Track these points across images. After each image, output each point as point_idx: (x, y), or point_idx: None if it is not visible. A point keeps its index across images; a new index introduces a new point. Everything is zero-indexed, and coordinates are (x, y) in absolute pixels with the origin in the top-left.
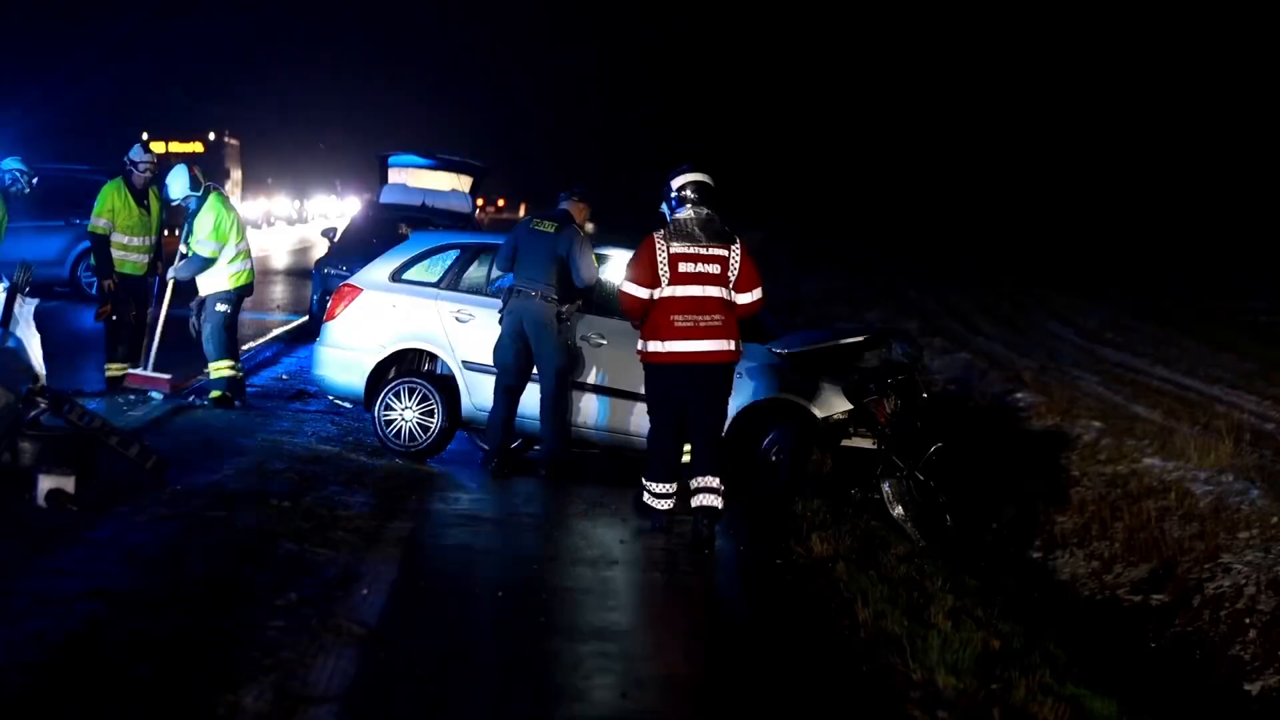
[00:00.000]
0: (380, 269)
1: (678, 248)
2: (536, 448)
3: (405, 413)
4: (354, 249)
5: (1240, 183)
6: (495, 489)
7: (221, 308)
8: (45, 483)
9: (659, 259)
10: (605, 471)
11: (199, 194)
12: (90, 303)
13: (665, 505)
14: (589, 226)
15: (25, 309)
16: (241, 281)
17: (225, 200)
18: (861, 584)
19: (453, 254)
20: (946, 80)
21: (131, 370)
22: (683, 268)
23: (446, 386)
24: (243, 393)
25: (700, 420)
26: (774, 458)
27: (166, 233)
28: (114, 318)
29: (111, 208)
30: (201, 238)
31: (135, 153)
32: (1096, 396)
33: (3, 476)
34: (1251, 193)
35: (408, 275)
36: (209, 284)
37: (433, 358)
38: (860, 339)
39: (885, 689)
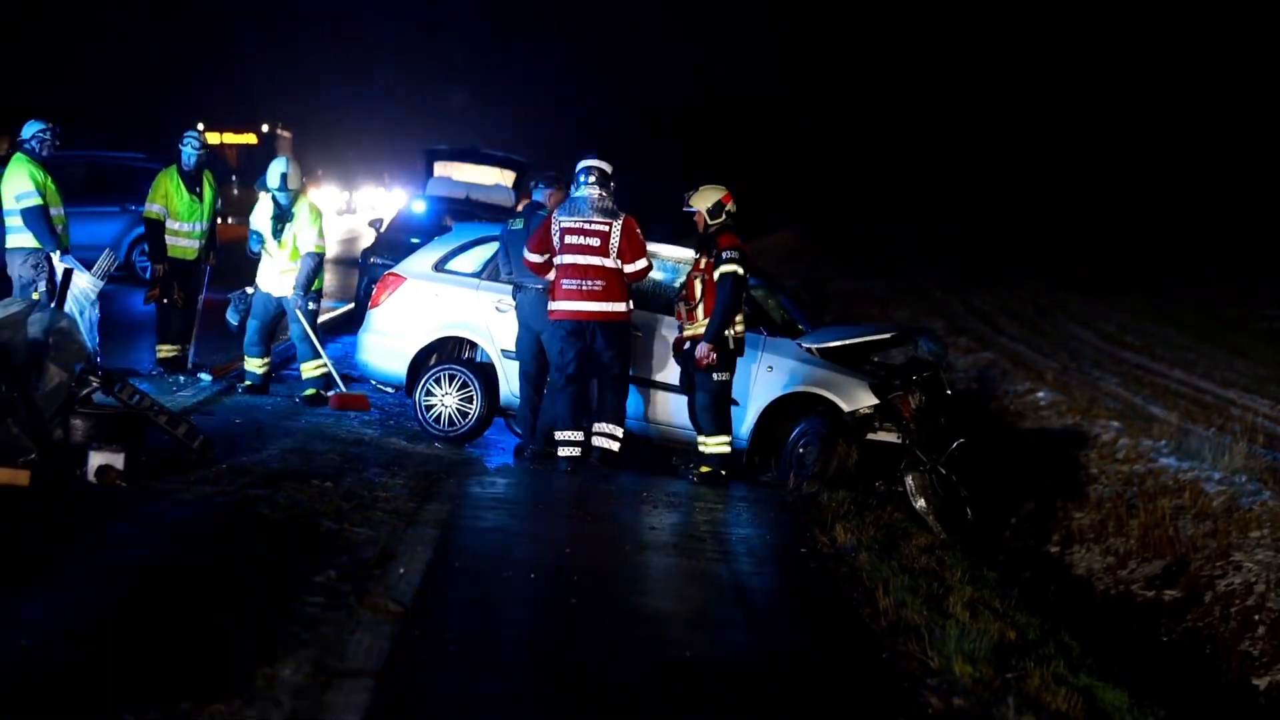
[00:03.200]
0: (423, 259)
1: (566, 222)
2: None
3: (445, 398)
4: (399, 240)
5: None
6: (530, 474)
7: (311, 306)
8: (96, 459)
9: (553, 231)
10: (638, 459)
11: (297, 190)
12: (143, 286)
13: (571, 451)
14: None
15: (93, 290)
16: (324, 280)
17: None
18: (883, 574)
19: (494, 246)
20: (980, 81)
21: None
22: (569, 239)
23: (485, 374)
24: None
25: (601, 370)
26: (801, 449)
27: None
28: (164, 301)
29: (165, 194)
30: (313, 238)
31: (185, 137)
32: (1115, 397)
33: (55, 452)
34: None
35: (450, 265)
36: (298, 285)
37: (473, 346)
38: (887, 336)
39: (903, 675)
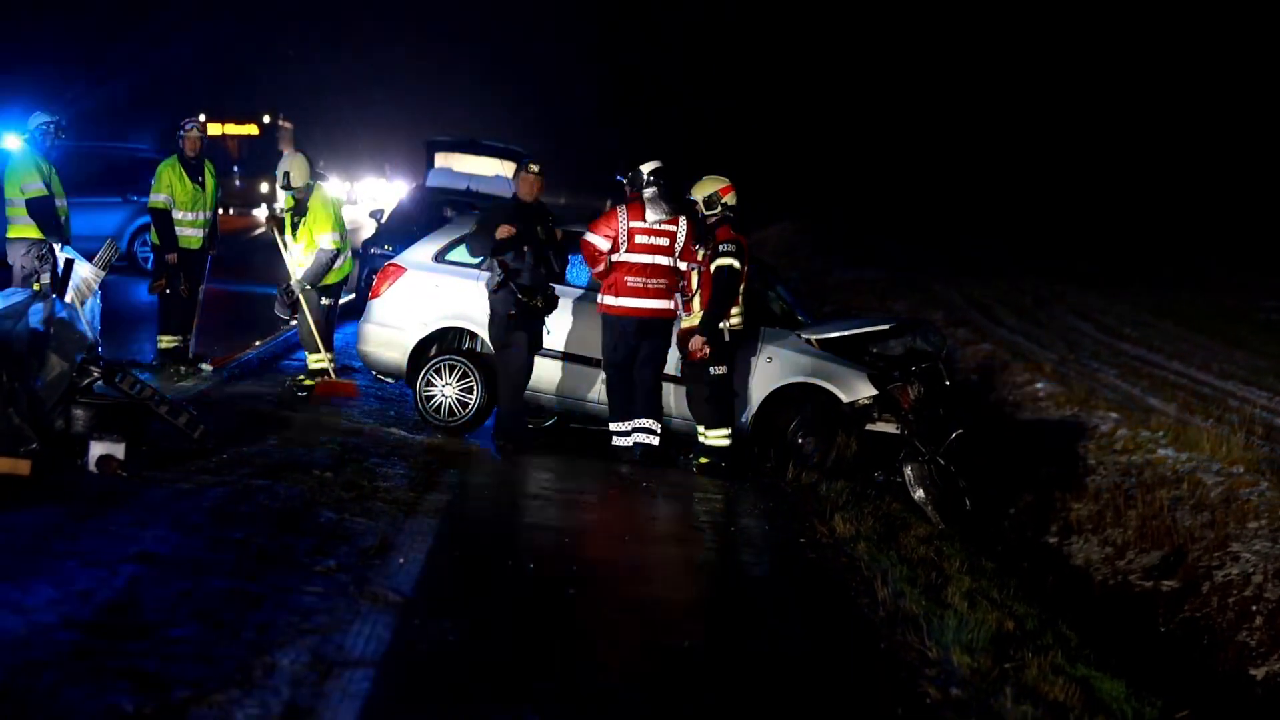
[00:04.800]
0: (424, 249)
1: (636, 221)
2: (571, 424)
3: (445, 389)
4: (399, 231)
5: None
6: (529, 464)
7: (325, 301)
8: (96, 449)
9: (620, 225)
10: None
11: (312, 184)
12: (145, 276)
13: (626, 441)
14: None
15: (95, 281)
16: (345, 274)
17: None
18: (882, 564)
19: None
20: (970, 73)
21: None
22: (638, 239)
23: (485, 364)
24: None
25: (643, 368)
26: (800, 439)
27: (221, 210)
28: (167, 291)
29: (168, 183)
30: (326, 232)
31: (185, 124)
32: (1114, 388)
33: (56, 442)
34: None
35: (450, 256)
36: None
37: (473, 336)
38: (887, 327)
39: (901, 665)
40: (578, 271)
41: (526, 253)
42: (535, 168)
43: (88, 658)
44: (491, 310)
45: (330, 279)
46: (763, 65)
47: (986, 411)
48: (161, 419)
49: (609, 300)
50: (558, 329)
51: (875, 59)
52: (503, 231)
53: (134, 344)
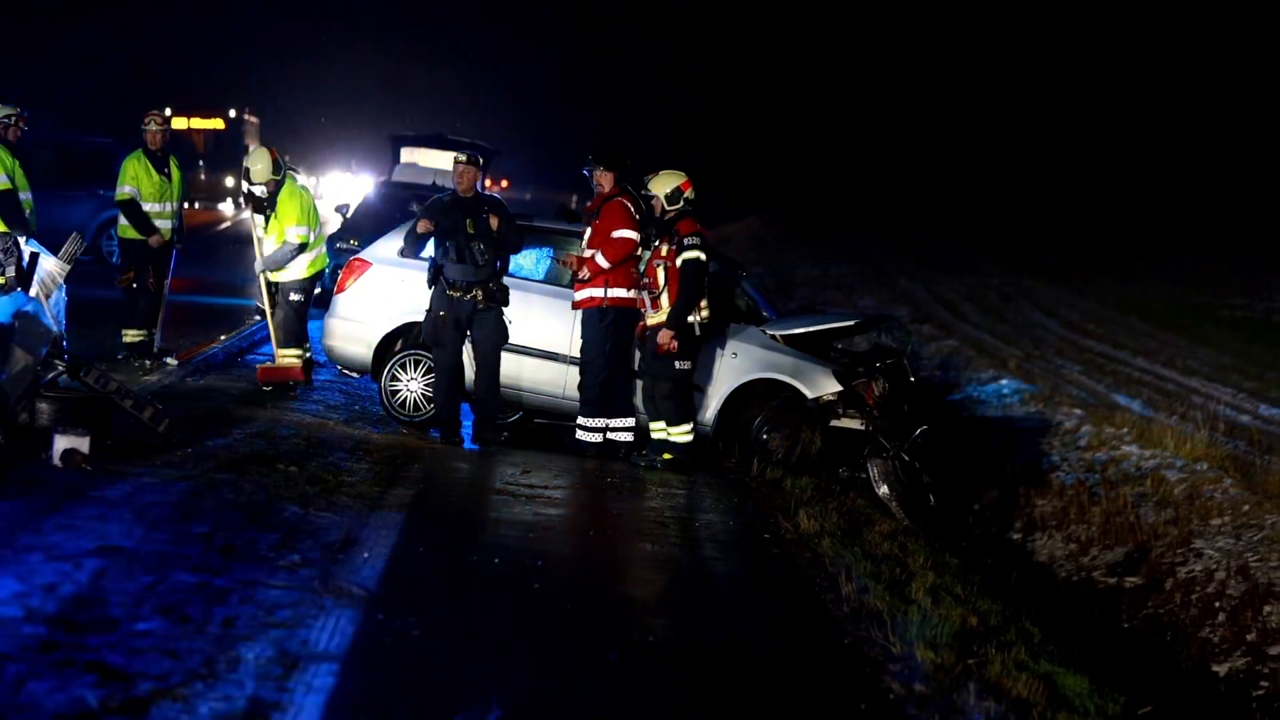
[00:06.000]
0: (389, 244)
1: (638, 215)
2: (538, 420)
3: (411, 384)
4: (365, 225)
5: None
6: (494, 459)
7: (296, 297)
8: (61, 442)
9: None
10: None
11: (279, 178)
12: (111, 270)
13: (596, 438)
14: (502, 184)
15: (60, 274)
16: (318, 268)
17: (299, 184)
18: (846, 560)
19: None
20: (941, 65)
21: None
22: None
23: None
24: (310, 375)
25: (625, 361)
26: (765, 435)
27: (186, 205)
28: (134, 285)
29: (134, 176)
30: (292, 224)
31: (149, 117)
32: (1078, 385)
33: (21, 435)
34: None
35: None
36: (284, 272)
37: None
38: (852, 323)
39: (865, 661)
40: (541, 266)
41: (449, 247)
42: (463, 158)
43: (52, 651)
44: (428, 305)
45: (305, 273)
46: (734, 60)
47: (951, 408)
48: (126, 413)
49: (618, 293)
50: (519, 323)
51: (844, 52)
52: (420, 226)
53: (99, 338)
